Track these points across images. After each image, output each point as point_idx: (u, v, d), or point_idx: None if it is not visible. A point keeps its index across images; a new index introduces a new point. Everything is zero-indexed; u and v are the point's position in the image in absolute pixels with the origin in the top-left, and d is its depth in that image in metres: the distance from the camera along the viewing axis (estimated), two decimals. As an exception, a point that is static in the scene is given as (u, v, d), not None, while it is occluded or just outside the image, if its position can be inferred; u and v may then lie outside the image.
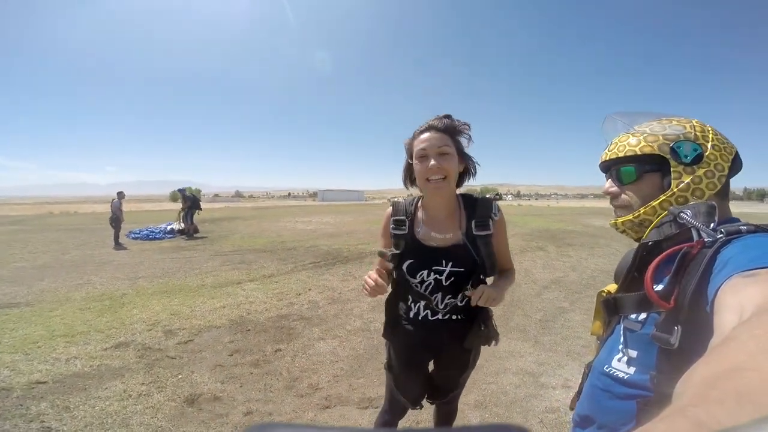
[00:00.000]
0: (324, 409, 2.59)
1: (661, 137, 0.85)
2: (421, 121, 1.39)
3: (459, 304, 1.41)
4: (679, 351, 0.69)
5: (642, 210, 0.88)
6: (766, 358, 0.30)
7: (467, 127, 1.37)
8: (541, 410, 2.55)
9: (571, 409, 1.24)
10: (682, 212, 0.76)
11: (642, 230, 0.90)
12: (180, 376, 2.99)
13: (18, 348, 3.50)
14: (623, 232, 0.96)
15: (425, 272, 1.37)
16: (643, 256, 0.85)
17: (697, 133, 0.84)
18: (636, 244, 0.89)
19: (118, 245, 10.40)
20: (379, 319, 4.32)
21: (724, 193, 0.85)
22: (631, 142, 0.89)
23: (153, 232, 12.85)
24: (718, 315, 0.54)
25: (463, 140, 1.38)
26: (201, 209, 13.85)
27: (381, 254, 1.44)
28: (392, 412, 1.67)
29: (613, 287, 1.00)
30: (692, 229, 0.74)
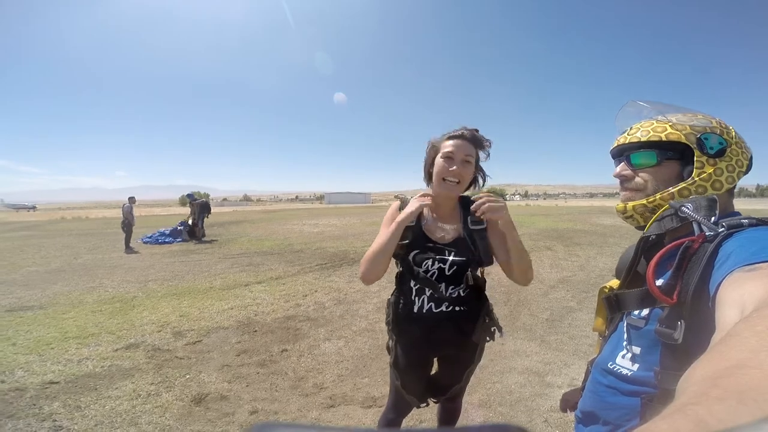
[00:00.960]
0: (328, 408, 2.62)
1: (688, 127, 0.85)
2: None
3: (462, 294, 1.47)
4: (683, 346, 0.68)
5: (659, 195, 0.86)
6: None
7: (489, 144, 1.52)
8: (546, 409, 2.54)
9: (561, 405, 1.25)
10: (683, 206, 0.76)
11: (650, 217, 0.89)
12: (188, 376, 3.05)
13: (32, 349, 3.59)
14: (629, 217, 0.93)
15: (429, 261, 1.44)
16: (644, 250, 0.86)
17: (722, 128, 0.85)
18: (638, 234, 0.89)
19: (129, 249, 10.56)
20: (384, 319, 4.34)
21: (731, 191, 0.86)
22: (656, 128, 0.88)
23: (164, 234, 13.04)
24: (720, 310, 0.54)
25: (482, 154, 1.52)
26: (210, 212, 14.02)
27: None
28: (397, 410, 1.68)
29: (614, 283, 1.00)
30: (693, 222, 0.74)
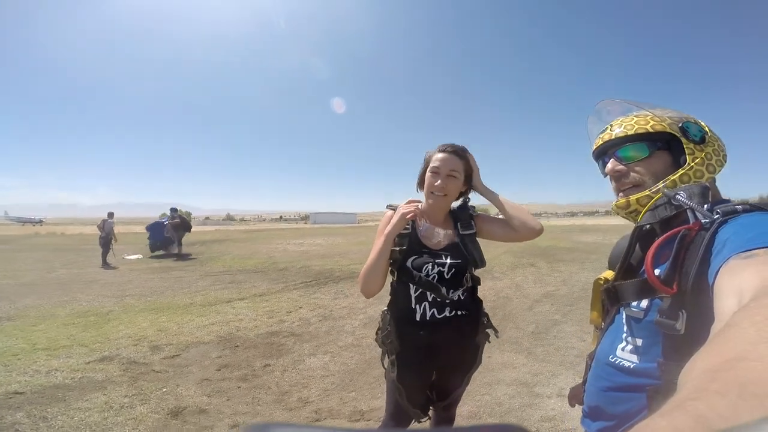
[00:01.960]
0: (314, 422, 2.51)
1: (668, 118, 0.88)
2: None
3: (462, 297, 1.49)
4: (686, 336, 0.67)
5: (662, 184, 0.85)
6: None
7: (473, 161, 1.58)
8: (536, 419, 2.50)
9: (570, 399, 1.22)
10: (677, 194, 0.76)
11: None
12: (165, 389, 2.90)
13: (-4, 361, 3.38)
14: (633, 212, 0.90)
15: (429, 265, 1.47)
16: (640, 240, 0.86)
17: (695, 120, 0.89)
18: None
19: (106, 265, 10.22)
20: (371, 335, 4.23)
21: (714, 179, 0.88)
22: (640, 121, 0.89)
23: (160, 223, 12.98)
24: (718, 299, 0.54)
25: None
26: (190, 230, 13.76)
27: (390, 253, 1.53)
28: (396, 423, 1.60)
29: (609, 274, 0.99)
30: (688, 210, 0.74)
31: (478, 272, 1.59)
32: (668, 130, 0.86)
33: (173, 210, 13.93)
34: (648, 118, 0.89)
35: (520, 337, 4.17)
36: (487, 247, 1.57)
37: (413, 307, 1.48)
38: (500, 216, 1.60)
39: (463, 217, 1.59)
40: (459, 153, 1.51)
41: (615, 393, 0.82)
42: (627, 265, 0.88)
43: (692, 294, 0.66)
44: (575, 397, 1.21)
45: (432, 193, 1.50)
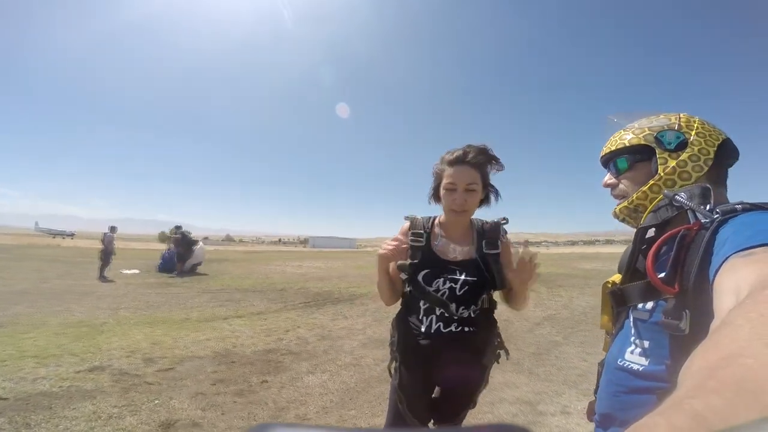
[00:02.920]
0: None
1: (647, 129, 0.91)
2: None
3: (472, 315, 1.42)
4: (692, 336, 0.66)
5: (635, 195, 0.91)
6: (762, 344, 0.29)
7: (498, 163, 1.49)
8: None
9: (588, 414, 1.16)
10: (677, 195, 0.77)
11: (639, 216, 0.92)
12: (157, 402, 2.77)
13: (-18, 366, 3.25)
14: (623, 220, 0.98)
15: (441, 281, 1.41)
16: (642, 241, 0.85)
17: (681, 123, 0.89)
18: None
19: (103, 278, 10.08)
20: (371, 355, 4.15)
21: (718, 181, 0.86)
22: (623, 136, 0.95)
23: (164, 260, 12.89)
24: (717, 297, 0.53)
25: (491, 170, 1.50)
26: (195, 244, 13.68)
27: (400, 265, 1.47)
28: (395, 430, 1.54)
29: (617, 278, 0.98)
30: (688, 211, 0.74)
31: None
32: (643, 143, 0.90)
33: (178, 227, 13.87)
34: (630, 131, 0.94)
35: (521, 358, 4.08)
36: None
37: (420, 318, 1.44)
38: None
39: (491, 235, 1.50)
40: (474, 162, 1.41)
41: (625, 397, 0.81)
42: (633, 267, 0.87)
43: (694, 293, 0.66)
44: (593, 411, 1.16)
45: (453, 210, 1.43)
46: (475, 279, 1.41)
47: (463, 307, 1.41)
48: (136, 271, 12.74)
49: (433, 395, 1.54)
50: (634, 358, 0.81)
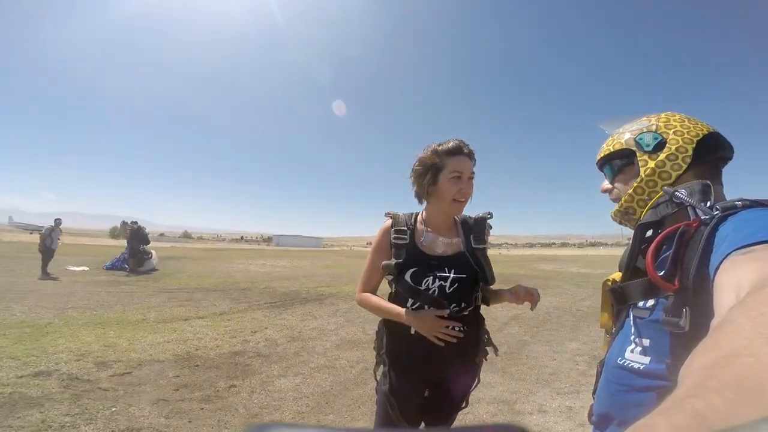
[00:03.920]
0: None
1: (628, 133, 0.93)
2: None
3: (464, 313, 1.39)
4: (692, 334, 0.65)
5: (623, 199, 0.93)
6: (763, 342, 0.28)
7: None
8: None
9: (589, 417, 1.15)
10: (676, 191, 0.77)
11: (631, 218, 0.93)
12: (114, 409, 2.54)
13: None
14: (620, 222, 1.00)
15: (430, 279, 1.37)
16: (642, 238, 0.86)
17: (660, 124, 0.90)
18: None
19: (45, 275, 9.30)
20: (345, 356, 4.05)
21: (707, 177, 0.83)
22: (608, 143, 0.98)
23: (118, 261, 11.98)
24: (717, 295, 0.53)
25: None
26: (147, 243, 12.95)
27: (385, 266, 1.42)
28: None
29: (618, 275, 0.97)
30: (688, 207, 0.74)
31: None
32: (624, 147, 0.92)
33: (133, 222, 13.07)
34: (614, 137, 0.96)
35: (493, 358, 4.09)
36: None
37: None
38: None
39: (478, 229, 1.49)
40: (469, 154, 1.42)
41: (625, 396, 0.80)
42: (633, 264, 0.87)
43: (694, 290, 0.66)
44: (593, 412, 1.16)
45: (455, 200, 1.39)
46: (465, 276, 1.39)
47: (454, 305, 1.37)
48: (85, 268, 11.90)
49: (425, 396, 1.51)
50: (634, 356, 0.80)
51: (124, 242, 12.62)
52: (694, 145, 0.85)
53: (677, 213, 0.78)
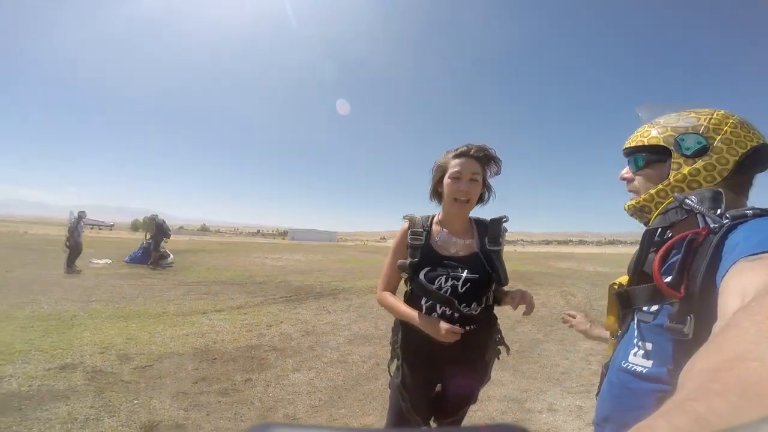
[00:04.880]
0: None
1: (670, 129, 0.86)
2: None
3: (474, 312, 1.43)
4: (695, 341, 0.65)
5: (642, 197, 0.90)
6: None
7: (497, 165, 1.52)
8: (533, 437, 2.42)
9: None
10: (687, 198, 0.75)
11: (645, 215, 0.91)
12: (136, 402, 2.64)
13: (-60, 364, 3.02)
14: (632, 215, 0.97)
15: (443, 278, 1.41)
16: (650, 244, 0.85)
17: (709, 126, 0.83)
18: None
19: (70, 269, 9.61)
20: (357, 351, 4.10)
21: (735, 188, 0.81)
22: (643, 133, 0.92)
23: (136, 254, 12.25)
24: (722, 299, 0.53)
25: (490, 170, 1.53)
26: (168, 237, 13.24)
27: (400, 265, 1.48)
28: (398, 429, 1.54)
29: (624, 279, 0.97)
30: (698, 215, 0.72)
31: None
32: (661, 143, 0.87)
33: (154, 216, 13.35)
34: (651, 129, 0.91)
35: (505, 356, 4.11)
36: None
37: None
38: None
39: (493, 231, 1.53)
40: (477, 156, 1.45)
41: (627, 399, 0.80)
42: (640, 270, 0.86)
43: (700, 298, 0.65)
44: None
45: (455, 199, 1.44)
46: (477, 276, 1.42)
47: (465, 304, 1.41)
48: (108, 261, 12.24)
49: (436, 392, 1.54)
50: (637, 360, 0.80)
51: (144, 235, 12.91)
52: (737, 159, 0.80)
53: (687, 219, 0.76)
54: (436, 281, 1.41)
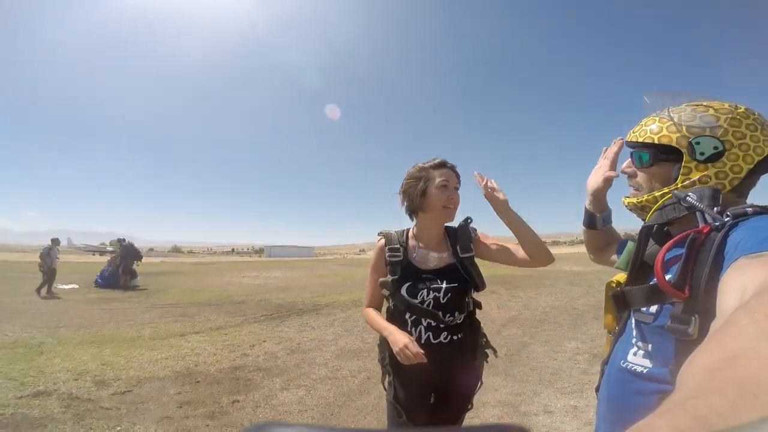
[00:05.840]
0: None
1: (684, 128, 0.80)
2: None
3: (458, 321, 1.47)
4: (699, 341, 0.62)
5: (645, 197, 0.86)
6: (767, 345, 0.28)
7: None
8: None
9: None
10: (687, 195, 0.74)
11: (645, 213, 0.88)
12: (119, 428, 2.52)
13: None
14: (631, 211, 0.94)
15: (424, 291, 1.45)
16: (647, 240, 0.85)
17: (728, 128, 0.77)
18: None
19: (49, 293, 9.14)
20: (346, 366, 4.05)
21: (737, 190, 0.80)
22: (653, 128, 0.85)
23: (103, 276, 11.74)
24: (721, 296, 0.53)
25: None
26: (140, 259, 12.80)
27: (382, 283, 1.51)
28: None
29: (622, 277, 0.96)
30: (697, 213, 0.72)
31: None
32: (674, 144, 0.81)
33: (121, 240, 12.91)
34: (664, 126, 0.83)
35: (494, 360, 4.14)
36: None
37: (408, 330, 1.46)
38: (500, 242, 1.57)
39: (462, 238, 1.56)
40: (452, 167, 1.53)
41: (627, 398, 0.80)
42: (637, 267, 0.85)
43: (704, 298, 0.64)
44: None
45: (445, 207, 1.48)
46: (457, 285, 1.46)
47: (449, 314, 1.45)
48: (75, 286, 11.66)
49: (431, 402, 1.55)
50: (637, 360, 0.80)
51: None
52: (752, 167, 0.77)
53: (685, 216, 0.76)
54: (419, 295, 1.44)
